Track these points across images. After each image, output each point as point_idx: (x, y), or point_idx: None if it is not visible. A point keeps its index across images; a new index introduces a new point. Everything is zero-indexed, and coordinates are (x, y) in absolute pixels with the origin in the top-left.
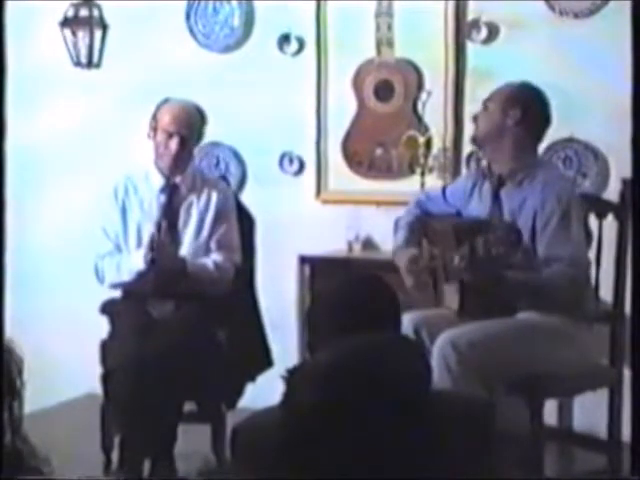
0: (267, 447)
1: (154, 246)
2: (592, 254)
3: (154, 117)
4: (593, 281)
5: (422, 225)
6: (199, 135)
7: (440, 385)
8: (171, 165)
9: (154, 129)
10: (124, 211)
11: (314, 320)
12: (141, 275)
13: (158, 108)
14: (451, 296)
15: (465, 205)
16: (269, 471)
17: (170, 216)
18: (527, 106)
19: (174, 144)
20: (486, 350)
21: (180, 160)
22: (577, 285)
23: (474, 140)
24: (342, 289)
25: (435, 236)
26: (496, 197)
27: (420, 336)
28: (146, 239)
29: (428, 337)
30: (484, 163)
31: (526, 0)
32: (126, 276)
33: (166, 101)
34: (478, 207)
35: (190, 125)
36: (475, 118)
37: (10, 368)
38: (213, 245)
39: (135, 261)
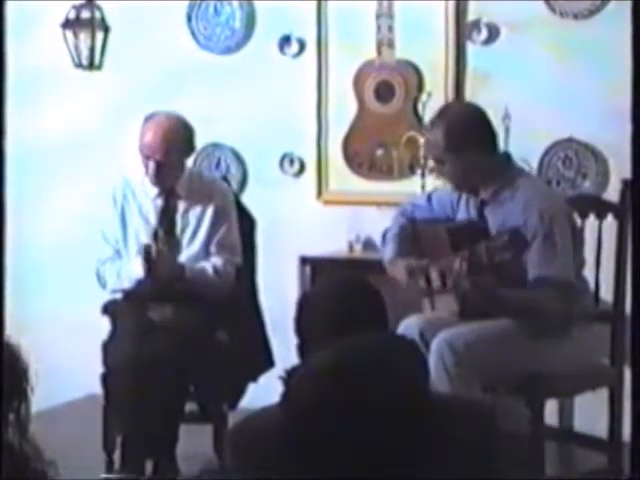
0: (266, 448)
1: (150, 257)
2: (592, 255)
3: (141, 130)
4: (593, 281)
5: (411, 232)
6: (189, 147)
7: (438, 386)
8: (154, 183)
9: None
10: (123, 216)
11: (302, 325)
12: (140, 283)
13: (144, 122)
14: (447, 302)
15: (453, 215)
16: (268, 472)
17: (168, 221)
18: (471, 138)
19: (151, 168)
20: (483, 350)
21: (161, 179)
22: (562, 305)
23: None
24: (326, 292)
25: (427, 241)
26: (481, 215)
27: (425, 340)
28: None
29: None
30: None
31: (526, 1)
32: (126, 283)
33: (150, 117)
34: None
35: (167, 149)
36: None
37: (17, 372)
38: (213, 248)
39: (134, 269)
